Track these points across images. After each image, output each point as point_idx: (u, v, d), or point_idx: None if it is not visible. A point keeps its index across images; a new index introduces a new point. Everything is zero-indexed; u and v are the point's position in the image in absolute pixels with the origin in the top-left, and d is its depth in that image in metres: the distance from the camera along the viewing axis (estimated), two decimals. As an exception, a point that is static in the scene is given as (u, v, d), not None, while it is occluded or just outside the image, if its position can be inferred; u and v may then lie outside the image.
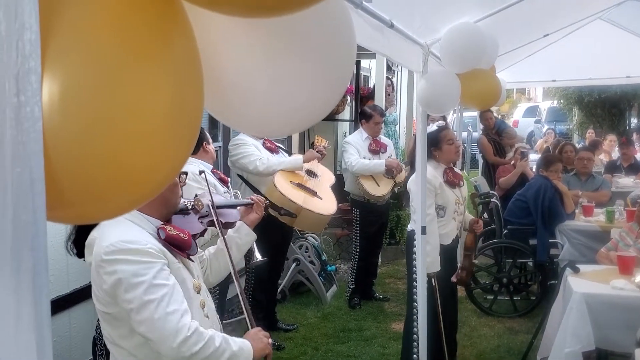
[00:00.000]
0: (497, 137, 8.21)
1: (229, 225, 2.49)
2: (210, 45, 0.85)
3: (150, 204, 1.89)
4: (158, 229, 1.94)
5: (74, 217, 0.71)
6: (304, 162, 4.86)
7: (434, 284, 4.06)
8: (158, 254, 1.86)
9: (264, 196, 4.60)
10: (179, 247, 1.97)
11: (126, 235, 1.84)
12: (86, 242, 2.79)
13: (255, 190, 4.65)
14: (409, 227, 4.03)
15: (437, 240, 4.02)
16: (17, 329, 0.60)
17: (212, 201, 2.36)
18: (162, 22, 0.74)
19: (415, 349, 3.92)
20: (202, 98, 0.77)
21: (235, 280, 2.27)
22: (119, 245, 1.81)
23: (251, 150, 4.61)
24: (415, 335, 3.98)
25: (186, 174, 2.12)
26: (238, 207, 2.63)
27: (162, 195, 1.92)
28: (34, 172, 0.57)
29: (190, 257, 2.06)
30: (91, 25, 0.69)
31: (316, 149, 5.13)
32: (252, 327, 2.14)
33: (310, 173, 4.89)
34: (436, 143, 4.11)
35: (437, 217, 4.03)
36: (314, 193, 4.74)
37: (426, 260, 3.93)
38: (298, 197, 4.57)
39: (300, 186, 4.70)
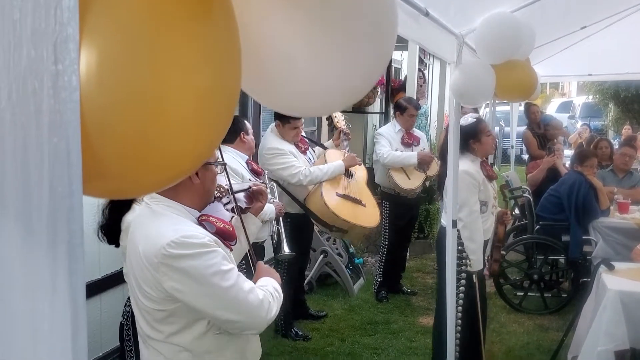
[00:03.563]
0: (541, 130, 8.04)
1: (246, 210, 2.48)
2: (250, 22, 0.83)
3: (191, 194, 1.92)
4: (201, 221, 1.94)
5: (109, 190, 0.71)
6: (345, 168, 4.73)
7: (474, 280, 4.01)
8: (215, 244, 1.86)
9: (308, 209, 4.55)
10: (227, 238, 1.98)
11: (183, 229, 1.81)
12: (123, 227, 2.82)
13: (295, 200, 4.60)
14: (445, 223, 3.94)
15: (482, 238, 3.95)
16: (52, 302, 0.59)
17: (231, 187, 2.34)
18: (201, -3, 0.73)
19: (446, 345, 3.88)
20: (239, 76, 0.76)
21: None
22: (181, 241, 1.77)
23: (291, 161, 4.46)
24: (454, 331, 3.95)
25: (225, 164, 2.11)
26: (244, 192, 2.61)
27: (204, 186, 1.94)
28: (70, 143, 0.56)
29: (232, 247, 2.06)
30: (130, -3, 0.67)
31: (343, 132, 5.02)
32: (251, 257, 2.19)
33: (347, 173, 4.81)
34: (475, 135, 4.02)
35: (480, 213, 3.97)
36: (358, 202, 4.67)
37: (470, 257, 3.89)
38: (349, 213, 4.49)
39: (347, 197, 4.61)
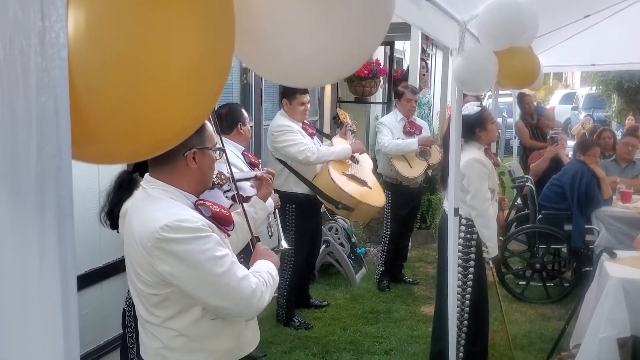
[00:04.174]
0: (534, 121, 8.04)
1: (248, 199, 2.47)
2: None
3: (187, 179, 1.90)
4: (197, 205, 1.91)
5: (99, 154, 0.69)
6: (351, 152, 4.81)
7: (492, 266, 4.01)
8: (209, 229, 1.85)
9: (314, 186, 4.60)
10: (223, 223, 1.96)
11: (177, 213, 1.80)
12: (120, 213, 2.82)
13: (302, 178, 4.62)
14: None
15: (495, 224, 3.95)
16: (41, 266, 0.58)
17: (232, 175, 2.33)
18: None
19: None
20: (232, 42, 0.74)
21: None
22: (174, 225, 1.76)
23: (299, 138, 4.53)
24: (458, 321, 3.95)
25: (223, 150, 2.08)
26: (251, 181, 2.61)
27: (201, 170, 1.92)
28: (58, 101, 0.55)
29: (229, 233, 2.04)
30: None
31: (350, 127, 5.08)
32: (253, 246, 2.17)
33: (353, 159, 4.89)
34: (481, 123, 4.01)
35: None
36: (364, 183, 4.74)
37: (487, 245, 3.88)
38: (355, 191, 4.58)
39: (353, 177, 4.69)
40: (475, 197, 3.83)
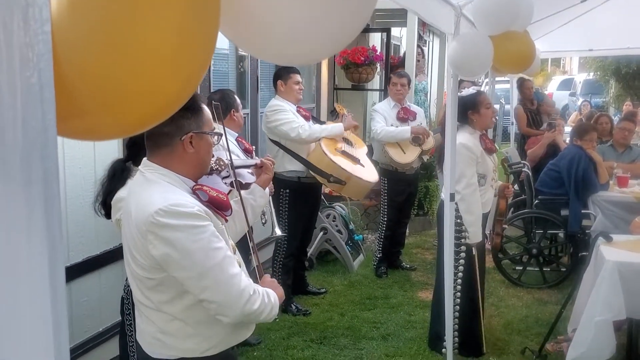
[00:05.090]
0: (534, 107, 8.03)
1: (247, 186, 2.47)
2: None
3: (185, 163, 1.90)
4: (195, 190, 1.91)
5: (86, 129, 0.69)
6: (344, 129, 4.85)
7: (474, 253, 4.03)
8: (206, 216, 1.84)
9: (307, 161, 4.64)
10: (220, 208, 1.95)
11: (173, 198, 1.79)
12: (112, 201, 2.82)
13: (295, 156, 4.65)
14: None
15: (480, 210, 3.96)
16: (29, 240, 0.58)
17: (232, 161, 2.34)
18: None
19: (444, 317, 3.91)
20: (218, 13, 0.74)
21: (250, 241, 2.26)
22: (169, 210, 1.75)
23: (291, 117, 4.58)
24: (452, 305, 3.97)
25: (221, 135, 2.08)
26: (251, 168, 2.61)
27: (198, 155, 1.91)
28: (43, 77, 0.55)
29: (227, 218, 2.03)
30: None
31: (349, 116, 5.11)
32: (260, 276, 2.14)
33: (346, 141, 4.91)
34: (474, 106, 4.00)
35: (478, 186, 3.97)
36: (357, 160, 4.78)
37: (469, 230, 3.90)
38: (347, 164, 4.62)
39: (345, 154, 4.74)
40: (460, 181, 3.85)
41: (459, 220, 3.94)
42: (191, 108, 1.90)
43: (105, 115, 0.66)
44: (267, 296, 1.94)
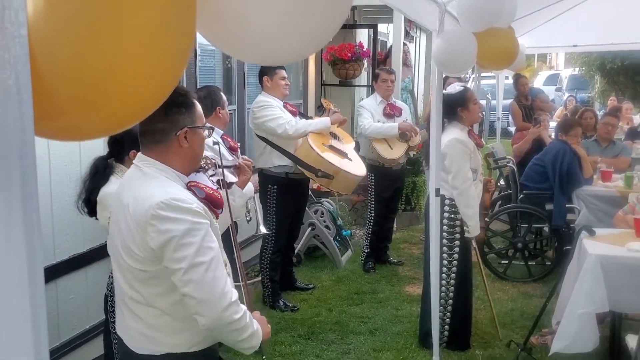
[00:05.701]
0: (528, 102, 8.09)
1: (230, 185, 2.55)
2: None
3: (180, 158, 1.94)
4: (190, 186, 1.95)
5: (64, 129, 0.70)
6: (331, 124, 4.87)
7: (474, 246, 4.08)
8: (204, 214, 1.87)
9: (294, 156, 4.65)
10: (215, 205, 1.99)
11: (173, 192, 1.84)
12: (98, 198, 2.83)
13: (282, 152, 4.66)
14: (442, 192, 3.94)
15: (477, 204, 4.00)
16: (7, 240, 0.60)
17: (221, 161, 2.41)
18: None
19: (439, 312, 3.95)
20: (194, 10, 0.75)
21: (234, 242, 2.31)
22: (170, 203, 1.79)
23: (278, 113, 4.60)
24: (442, 300, 4.01)
25: (213, 129, 2.13)
26: (232, 168, 2.70)
27: (192, 149, 1.96)
28: (20, 79, 0.56)
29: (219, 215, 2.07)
30: None
31: (335, 111, 5.12)
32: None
33: (334, 135, 4.94)
34: (463, 103, 4.04)
35: None
36: (344, 154, 4.81)
37: (468, 224, 3.94)
38: (334, 159, 4.64)
39: (332, 148, 4.77)
40: (457, 176, 3.88)
41: (452, 215, 3.98)
42: (184, 104, 1.95)
43: (83, 116, 0.67)
44: (251, 320, 1.95)
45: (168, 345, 1.94)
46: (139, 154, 1.99)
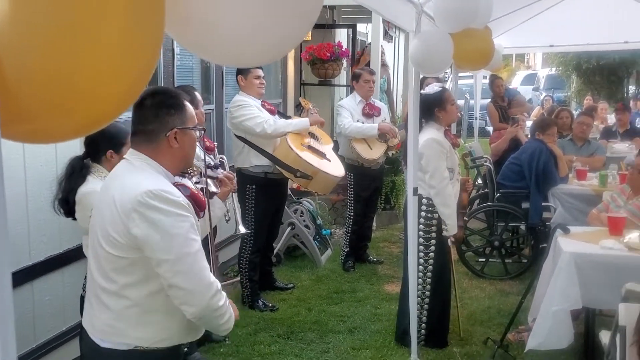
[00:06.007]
0: (505, 103, 8.18)
1: (212, 195, 2.63)
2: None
3: (170, 157, 1.99)
4: (176, 185, 2.01)
5: (33, 132, 0.70)
6: (310, 125, 4.87)
7: (450, 244, 4.11)
8: (189, 208, 1.93)
9: (273, 156, 4.65)
10: (198, 205, 2.06)
11: (161, 184, 1.89)
12: (77, 198, 2.81)
13: (261, 151, 4.66)
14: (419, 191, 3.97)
15: (454, 203, 4.03)
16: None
17: (205, 170, 2.50)
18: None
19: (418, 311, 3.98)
20: (162, 15, 0.76)
21: (211, 248, 2.36)
22: (158, 194, 1.84)
23: (255, 112, 4.59)
24: (419, 298, 4.05)
25: (204, 130, 2.18)
26: (213, 181, 2.79)
27: (182, 150, 2.01)
28: (-15, 82, 0.57)
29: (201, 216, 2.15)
30: None
31: (311, 112, 5.13)
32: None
33: (313, 136, 4.95)
34: (441, 103, 4.07)
35: None
36: (323, 155, 4.82)
37: (447, 222, 3.97)
38: (313, 159, 4.65)
39: (311, 148, 4.78)
40: (434, 176, 3.92)
41: (429, 215, 4.02)
42: (175, 105, 2.01)
43: (52, 119, 0.67)
44: (227, 302, 2.03)
45: (133, 337, 1.94)
46: (130, 149, 2.04)
